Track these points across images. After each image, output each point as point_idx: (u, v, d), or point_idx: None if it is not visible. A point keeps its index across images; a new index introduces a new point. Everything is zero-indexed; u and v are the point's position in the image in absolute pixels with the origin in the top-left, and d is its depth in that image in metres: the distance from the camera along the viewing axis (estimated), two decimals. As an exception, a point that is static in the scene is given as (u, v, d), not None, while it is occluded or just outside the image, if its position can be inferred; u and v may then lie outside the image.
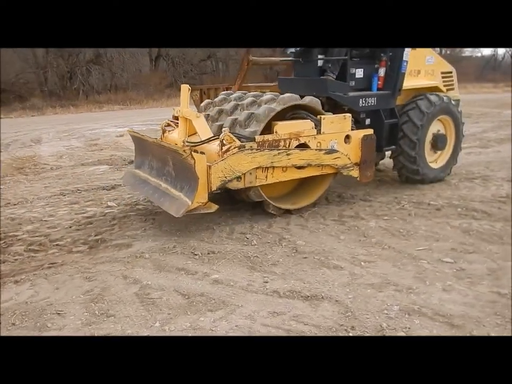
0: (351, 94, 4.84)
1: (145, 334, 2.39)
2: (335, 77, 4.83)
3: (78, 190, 5.49)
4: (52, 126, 14.34)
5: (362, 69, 5.01)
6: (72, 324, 2.46)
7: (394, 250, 3.50)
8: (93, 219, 4.31)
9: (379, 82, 5.10)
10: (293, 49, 5.02)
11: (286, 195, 4.62)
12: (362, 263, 3.28)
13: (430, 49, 5.53)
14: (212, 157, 3.83)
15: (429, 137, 5.35)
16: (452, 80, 5.90)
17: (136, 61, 27.98)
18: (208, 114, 4.63)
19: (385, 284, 2.94)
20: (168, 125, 4.93)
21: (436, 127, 5.43)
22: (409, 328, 2.43)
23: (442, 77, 5.73)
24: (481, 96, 19.71)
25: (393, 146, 5.25)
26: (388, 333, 2.39)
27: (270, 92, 4.73)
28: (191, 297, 2.76)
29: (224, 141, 3.77)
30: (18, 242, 3.69)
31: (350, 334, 2.39)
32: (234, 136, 3.84)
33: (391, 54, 5.04)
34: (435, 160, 5.59)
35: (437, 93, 5.35)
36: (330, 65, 4.84)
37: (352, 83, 4.94)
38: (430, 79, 5.56)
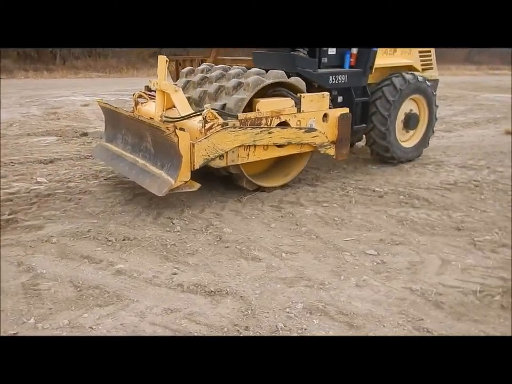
0: (320, 70, 4.72)
1: (17, 332, 2.19)
2: (306, 52, 4.67)
3: (12, 162, 5.16)
4: (18, 91, 13.66)
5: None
6: None
7: (321, 241, 3.34)
8: (15, 196, 4.03)
9: (351, 60, 4.99)
10: None
11: (261, 173, 4.55)
12: (283, 254, 3.11)
13: None
14: (193, 133, 3.71)
15: (401, 115, 5.29)
16: (430, 60, 5.81)
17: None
18: (189, 81, 4.53)
19: (298, 279, 2.78)
20: (141, 96, 4.68)
21: (408, 106, 5.36)
22: (305, 329, 2.28)
23: (420, 56, 5.62)
24: (463, 79, 19.48)
25: (364, 125, 5.18)
26: (282, 334, 2.24)
27: (246, 66, 4.67)
28: (84, 289, 2.56)
29: (206, 117, 3.64)
30: None
31: (241, 335, 2.23)
32: (217, 113, 3.73)
33: None
34: (407, 140, 5.55)
35: (413, 72, 5.26)
36: None
37: (325, 60, 4.83)
38: (406, 57, 5.46)
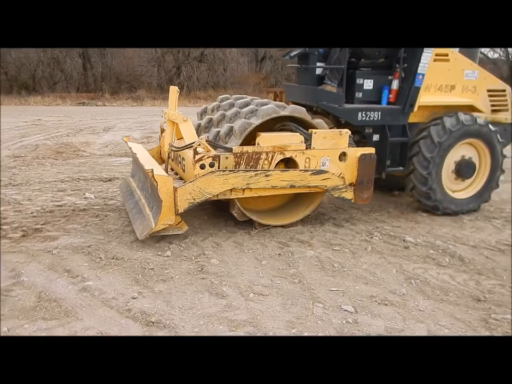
0: (348, 106, 4.42)
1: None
2: (335, 86, 4.46)
3: (79, 178, 5.86)
4: (137, 117, 15.51)
5: (372, 80, 4.57)
6: None
7: (302, 286, 3.07)
8: (58, 208, 4.55)
9: (390, 96, 4.60)
10: (295, 52, 4.67)
11: (275, 209, 4.37)
12: (251, 294, 2.94)
13: (471, 63, 4.77)
14: (188, 164, 3.81)
15: (450, 161, 4.66)
16: (505, 100, 5.04)
17: (237, 60, 29.14)
18: (200, 123, 4.54)
19: (246, 323, 2.58)
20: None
21: (463, 152, 4.70)
22: None
23: (489, 95, 4.91)
24: None
25: (401, 168, 4.68)
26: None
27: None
28: (43, 301, 2.74)
29: (197, 149, 3.65)
30: (-27, 221, 4.07)
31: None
32: (211, 145, 3.73)
33: (405, 65, 4.49)
34: (461, 190, 4.85)
35: (459, 114, 4.56)
36: (328, 73, 4.49)
37: (359, 94, 4.55)
38: (467, 96, 4.78)
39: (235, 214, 3.97)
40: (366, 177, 4.11)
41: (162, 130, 4.82)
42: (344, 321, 2.65)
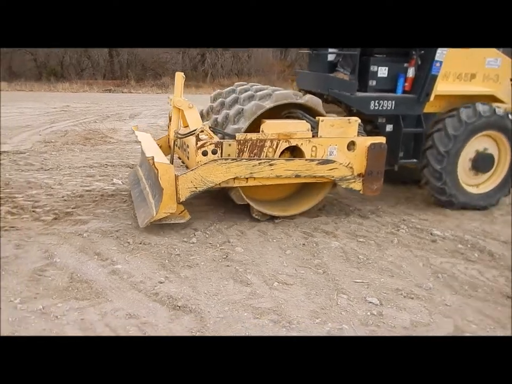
0: (360, 94, 4.28)
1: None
2: (348, 73, 4.34)
3: (106, 164, 5.98)
4: (162, 104, 15.61)
5: (387, 68, 4.39)
6: None
7: (326, 277, 3.07)
8: (87, 193, 4.66)
9: (406, 84, 4.42)
10: None
11: (281, 199, 4.33)
12: (276, 283, 2.96)
13: (494, 50, 4.53)
14: (192, 151, 3.79)
15: (467, 154, 4.49)
16: None
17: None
18: (212, 106, 4.50)
19: (270, 312, 2.61)
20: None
21: (480, 145, 4.53)
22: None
23: None
24: None
25: (415, 160, 4.53)
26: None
27: None
28: (75, 282, 2.84)
29: (200, 135, 3.61)
30: (8, 203, 4.20)
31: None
32: (214, 131, 3.69)
33: (422, 52, 4.31)
34: (478, 185, 4.69)
35: (477, 104, 4.37)
36: (341, 60, 4.37)
37: (373, 82, 4.38)
38: (489, 85, 4.56)
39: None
40: (375, 167, 3.99)
41: (171, 118, 4.78)
42: (368, 313, 2.64)
